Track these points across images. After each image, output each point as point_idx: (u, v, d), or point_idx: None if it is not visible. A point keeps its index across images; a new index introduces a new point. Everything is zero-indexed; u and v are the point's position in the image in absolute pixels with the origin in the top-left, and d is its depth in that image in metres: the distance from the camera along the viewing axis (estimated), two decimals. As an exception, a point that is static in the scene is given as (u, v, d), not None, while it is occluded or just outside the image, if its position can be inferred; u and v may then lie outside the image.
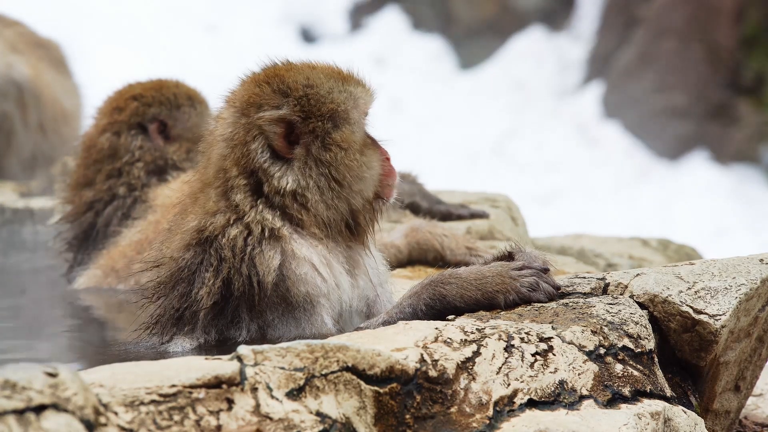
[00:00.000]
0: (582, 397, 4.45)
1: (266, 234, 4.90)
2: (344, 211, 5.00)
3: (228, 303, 4.88)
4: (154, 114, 7.55)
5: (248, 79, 5.11)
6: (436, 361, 4.33)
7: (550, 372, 4.45)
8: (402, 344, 4.34)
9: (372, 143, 5.08)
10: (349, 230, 5.05)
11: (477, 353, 4.41)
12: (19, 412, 3.55)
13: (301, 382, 4.10)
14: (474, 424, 4.27)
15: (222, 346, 4.84)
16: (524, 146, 22.76)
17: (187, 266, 4.94)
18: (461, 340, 4.43)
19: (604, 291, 4.92)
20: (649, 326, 4.73)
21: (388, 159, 5.11)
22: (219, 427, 3.92)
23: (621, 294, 4.88)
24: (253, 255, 4.87)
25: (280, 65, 5.13)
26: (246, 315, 4.88)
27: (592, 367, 4.52)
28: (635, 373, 4.58)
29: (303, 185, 4.96)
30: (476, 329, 4.49)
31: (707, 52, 22.01)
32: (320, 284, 4.93)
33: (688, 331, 4.80)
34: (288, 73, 5.05)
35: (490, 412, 4.31)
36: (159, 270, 5.06)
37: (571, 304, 4.77)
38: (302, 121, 4.98)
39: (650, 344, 4.68)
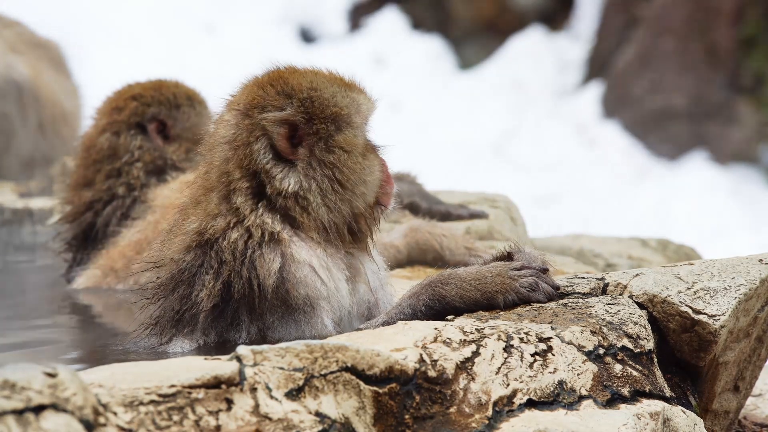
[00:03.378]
0: (581, 398, 4.45)
1: (266, 238, 4.91)
2: (347, 215, 5.01)
3: (228, 305, 4.88)
4: (154, 114, 7.56)
5: (250, 83, 5.13)
6: (436, 361, 4.33)
7: (550, 372, 4.45)
8: (401, 344, 4.34)
9: (373, 149, 5.12)
10: (352, 235, 5.05)
11: (476, 353, 4.41)
12: (19, 413, 3.55)
13: (301, 383, 4.10)
14: (473, 425, 4.27)
15: (221, 347, 4.84)
16: (523, 146, 22.75)
17: (187, 268, 4.94)
18: (460, 340, 4.43)
19: (604, 291, 4.93)
20: (649, 326, 4.73)
21: (386, 167, 5.14)
22: (218, 428, 3.92)
23: (620, 294, 4.89)
24: (254, 258, 4.87)
25: (284, 69, 5.15)
26: (246, 317, 4.88)
27: (592, 367, 4.53)
28: (634, 373, 4.58)
29: (305, 187, 4.97)
30: (475, 329, 4.49)
31: (706, 53, 22.01)
32: (320, 287, 4.93)
33: (687, 332, 4.81)
34: (292, 76, 5.07)
35: (490, 413, 4.31)
36: (159, 271, 5.06)
37: (570, 304, 4.77)
38: (306, 123, 4.99)
39: (649, 344, 4.68)
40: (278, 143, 4.97)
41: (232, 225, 4.94)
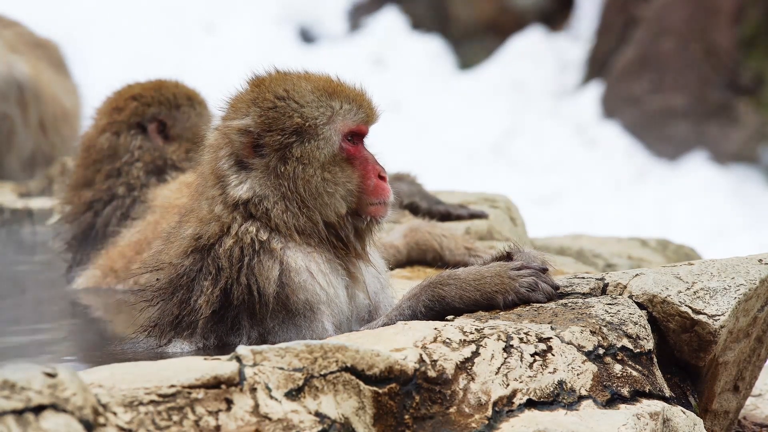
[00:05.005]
0: (581, 398, 4.45)
1: (258, 246, 4.89)
2: (317, 223, 4.95)
3: (228, 311, 4.88)
4: (154, 114, 7.55)
5: (242, 86, 5.12)
6: (435, 361, 4.33)
7: (549, 372, 4.45)
8: (401, 344, 4.34)
9: (348, 160, 5.00)
10: (340, 242, 5.02)
11: (476, 353, 4.41)
12: (18, 413, 3.55)
13: (300, 383, 4.10)
14: (473, 425, 4.27)
15: (221, 349, 4.84)
16: (523, 146, 22.75)
17: (186, 273, 4.94)
18: (460, 340, 4.43)
19: (603, 291, 4.93)
20: (648, 326, 4.73)
21: (378, 178, 5.02)
22: (218, 428, 3.92)
23: (620, 294, 4.88)
24: (252, 265, 4.86)
25: (274, 73, 5.09)
26: (246, 322, 4.88)
27: (591, 367, 4.53)
28: (634, 373, 4.58)
29: (259, 194, 4.92)
30: (475, 329, 4.49)
31: (706, 53, 22.01)
32: (319, 291, 4.92)
33: (687, 332, 4.81)
34: (270, 83, 5.01)
35: (489, 413, 4.31)
36: (158, 274, 5.06)
37: (570, 304, 4.77)
38: (264, 133, 4.94)
39: (649, 344, 4.68)
40: (240, 151, 4.96)
41: (224, 231, 4.93)
